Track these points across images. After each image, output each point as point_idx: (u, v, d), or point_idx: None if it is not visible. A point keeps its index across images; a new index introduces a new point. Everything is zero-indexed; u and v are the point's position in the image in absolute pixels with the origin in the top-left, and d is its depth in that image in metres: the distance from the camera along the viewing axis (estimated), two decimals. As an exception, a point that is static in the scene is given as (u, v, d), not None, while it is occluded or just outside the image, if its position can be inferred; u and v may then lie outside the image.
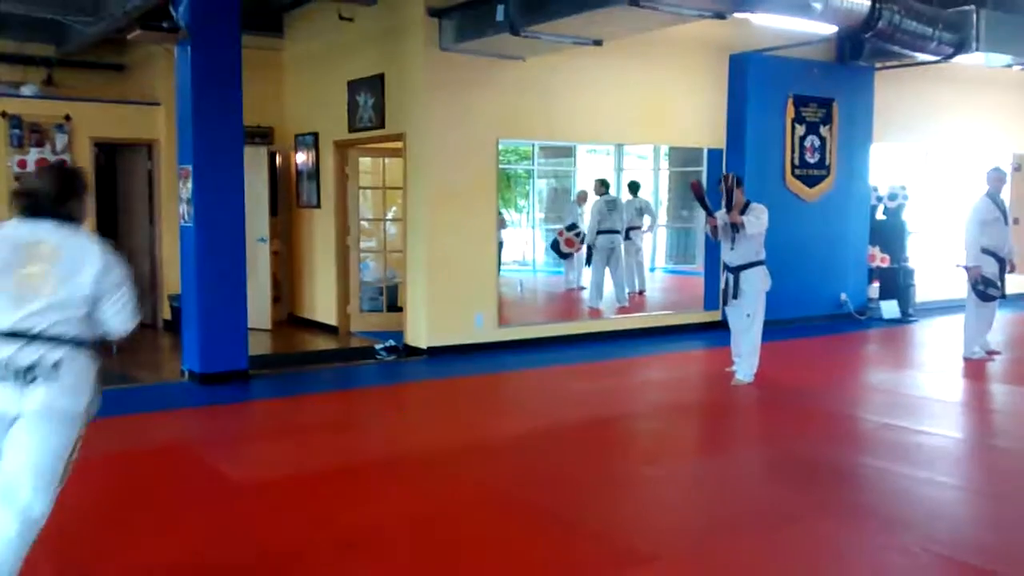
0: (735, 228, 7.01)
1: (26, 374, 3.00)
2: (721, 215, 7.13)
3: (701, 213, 7.79)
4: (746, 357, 7.25)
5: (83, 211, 3.33)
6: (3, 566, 3.04)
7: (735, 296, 7.17)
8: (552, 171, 17.38)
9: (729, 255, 7.21)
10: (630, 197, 12.50)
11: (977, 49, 8.61)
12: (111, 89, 10.29)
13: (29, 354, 3.01)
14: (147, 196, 10.12)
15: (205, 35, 7.19)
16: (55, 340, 3.05)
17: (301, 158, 10.14)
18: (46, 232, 3.15)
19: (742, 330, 7.25)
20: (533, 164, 16.77)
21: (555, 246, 12.83)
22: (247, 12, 7.64)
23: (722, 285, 7.38)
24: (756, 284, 7.13)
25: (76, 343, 3.10)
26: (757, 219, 6.98)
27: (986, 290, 8.17)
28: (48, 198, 3.20)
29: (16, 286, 3.05)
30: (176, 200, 7.84)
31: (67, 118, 9.39)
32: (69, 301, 3.10)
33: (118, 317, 3.22)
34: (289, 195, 10.44)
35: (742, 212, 7.01)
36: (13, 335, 3.01)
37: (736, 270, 7.16)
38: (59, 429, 3.07)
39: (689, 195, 7.81)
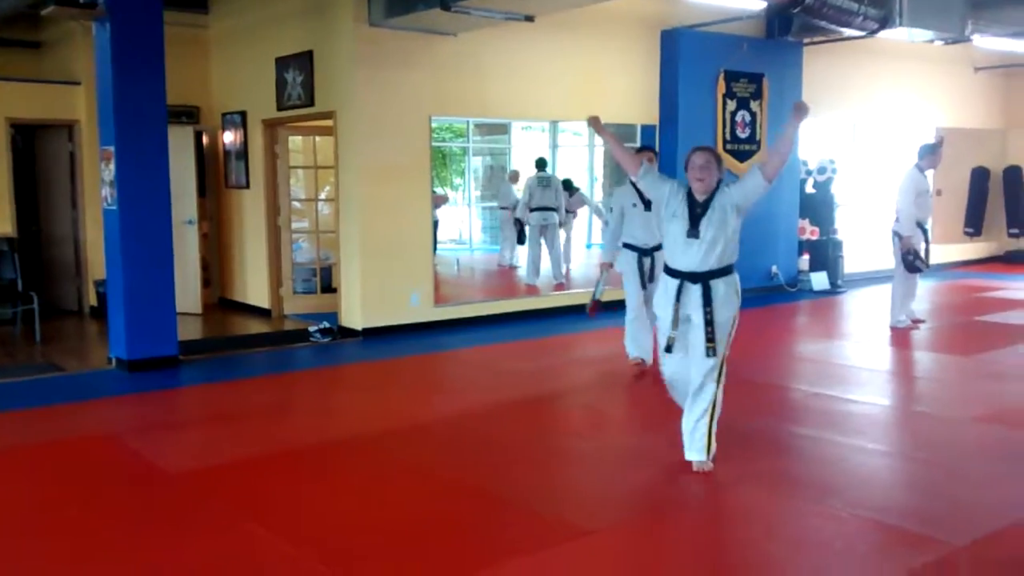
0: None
1: None
2: None
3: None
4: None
5: None
6: None
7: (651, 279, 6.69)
8: (487, 148, 17.32)
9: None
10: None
11: (900, 24, 8.80)
12: (27, 67, 9.93)
13: None
14: (69, 179, 9.81)
15: (124, 11, 6.96)
16: None
17: (229, 137, 9.92)
18: None
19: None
20: (468, 141, 16.69)
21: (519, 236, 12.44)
22: (168, -13, 7.42)
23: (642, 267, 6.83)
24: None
25: None
26: None
27: (914, 261, 8.38)
28: None
29: None
30: (99, 182, 7.60)
31: (-20, 98, 9.05)
32: None
33: None
34: (217, 176, 10.21)
35: None
36: None
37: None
38: None
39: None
